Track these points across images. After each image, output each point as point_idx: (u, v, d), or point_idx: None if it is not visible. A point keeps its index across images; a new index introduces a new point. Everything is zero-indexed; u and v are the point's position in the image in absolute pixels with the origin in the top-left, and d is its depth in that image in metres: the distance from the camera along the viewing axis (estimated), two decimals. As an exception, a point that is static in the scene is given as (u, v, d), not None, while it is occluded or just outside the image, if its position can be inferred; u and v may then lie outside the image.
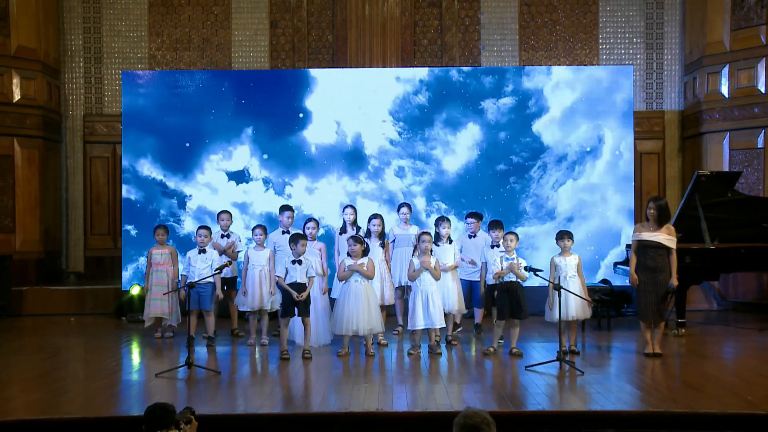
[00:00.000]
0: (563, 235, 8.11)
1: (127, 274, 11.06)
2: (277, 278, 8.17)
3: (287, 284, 7.93)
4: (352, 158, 11.17)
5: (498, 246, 8.39)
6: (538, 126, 11.13)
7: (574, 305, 7.86)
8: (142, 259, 10.48)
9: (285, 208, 9.31)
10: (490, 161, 11.12)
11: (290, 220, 9.14)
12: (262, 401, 6.26)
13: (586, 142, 11.13)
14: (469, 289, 9.05)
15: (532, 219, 11.13)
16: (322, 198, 11.12)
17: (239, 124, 11.11)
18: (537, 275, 7.72)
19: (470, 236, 9.09)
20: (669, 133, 12.62)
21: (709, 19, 11.77)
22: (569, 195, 11.11)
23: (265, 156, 11.11)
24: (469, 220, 9.13)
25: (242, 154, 11.14)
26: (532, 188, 11.12)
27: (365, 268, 7.98)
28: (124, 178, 11.21)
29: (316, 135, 11.15)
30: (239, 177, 11.14)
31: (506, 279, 7.92)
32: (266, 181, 11.14)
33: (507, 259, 7.94)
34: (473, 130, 11.14)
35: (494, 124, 11.12)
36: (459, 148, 11.14)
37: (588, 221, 11.10)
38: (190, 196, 11.13)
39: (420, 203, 11.14)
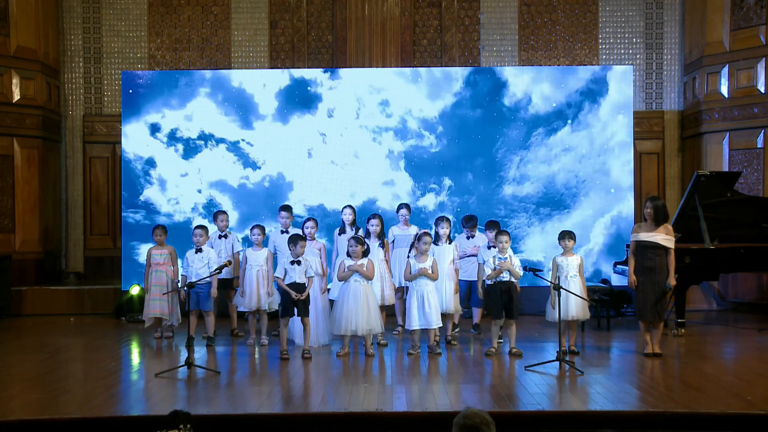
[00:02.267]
0: (565, 235, 8.12)
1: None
2: (275, 278, 8.16)
3: (286, 285, 7.93)
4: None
5: (494, 246, 8.38)
6: (535, 123, 11.16)
7: (574, 305, 7.87)
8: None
9: (284, 207, 9.31)
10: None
11: (287, 220, 9.12)
12: (261, 401, 6.25)
13: (584, 142, 11.13)
14: (468, 289, 9.09)
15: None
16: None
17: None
18: (537, 275, 7.73)
19: (468, 238, 9.12)
20: (669, 133, 12.63)
21: (708, 19, 11.77)
22: (564, 193, 11.16)
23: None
24: (467, 224, 9.17)
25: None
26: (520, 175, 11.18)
27: (365, 269, 7.98)
28: (123, 178, 11.21)
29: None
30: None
31: (500, 279, 7.93)
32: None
33: (500, 258, 7.95)
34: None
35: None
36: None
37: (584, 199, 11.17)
38: (196, 191, 11.19)
39: (395, 146, 11.18)
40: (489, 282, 8.06)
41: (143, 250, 10.25)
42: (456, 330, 9.05)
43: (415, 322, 7.99)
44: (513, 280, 7.95)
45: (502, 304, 7.92)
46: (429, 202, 11.11)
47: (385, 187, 11.12)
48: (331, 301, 8.54)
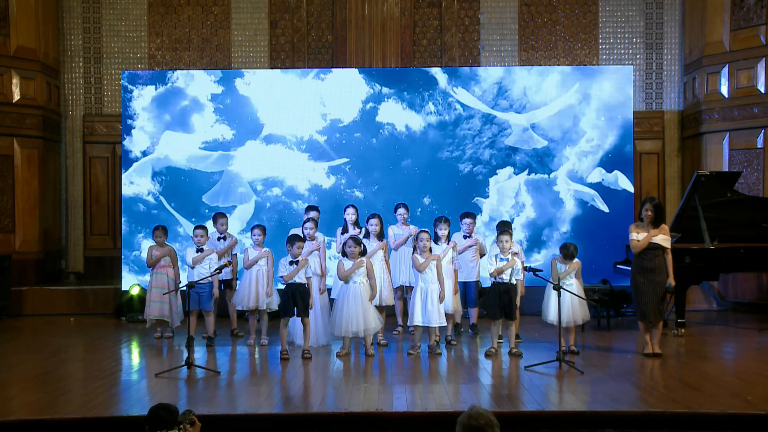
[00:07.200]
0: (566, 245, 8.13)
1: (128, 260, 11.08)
2: (281, 277, 8.13)
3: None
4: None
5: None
6: (535, 122, 11.16)
7: (570, 309, 7.85)
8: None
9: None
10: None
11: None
12: (261, 401, 6.26)
13: (584, 142, 11.13)
14: (463, 289, 9.05)
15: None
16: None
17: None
18: (536, 275, 7.73)
19: (465, 237, 9.08)
20: (669, 133, 12.62)
21: (708, 19, 11.77)
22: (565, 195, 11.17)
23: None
24: (466, 220, 9.09)
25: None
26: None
27: (369, 285, 7.98)
28: (123, 179, 11.21)
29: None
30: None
31: (499, 279, 7.91)
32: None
33: (501, 259, 7.94)
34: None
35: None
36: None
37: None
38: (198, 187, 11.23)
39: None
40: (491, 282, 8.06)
41: (144, 246, 10.27)
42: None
43: (417, 318, 7.98)
44: (513, 281, 7.94)
45: (500, 305, 7.91)
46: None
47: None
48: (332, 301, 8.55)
